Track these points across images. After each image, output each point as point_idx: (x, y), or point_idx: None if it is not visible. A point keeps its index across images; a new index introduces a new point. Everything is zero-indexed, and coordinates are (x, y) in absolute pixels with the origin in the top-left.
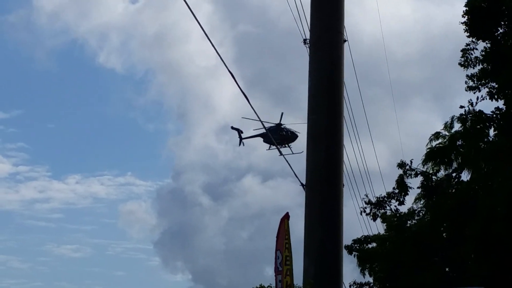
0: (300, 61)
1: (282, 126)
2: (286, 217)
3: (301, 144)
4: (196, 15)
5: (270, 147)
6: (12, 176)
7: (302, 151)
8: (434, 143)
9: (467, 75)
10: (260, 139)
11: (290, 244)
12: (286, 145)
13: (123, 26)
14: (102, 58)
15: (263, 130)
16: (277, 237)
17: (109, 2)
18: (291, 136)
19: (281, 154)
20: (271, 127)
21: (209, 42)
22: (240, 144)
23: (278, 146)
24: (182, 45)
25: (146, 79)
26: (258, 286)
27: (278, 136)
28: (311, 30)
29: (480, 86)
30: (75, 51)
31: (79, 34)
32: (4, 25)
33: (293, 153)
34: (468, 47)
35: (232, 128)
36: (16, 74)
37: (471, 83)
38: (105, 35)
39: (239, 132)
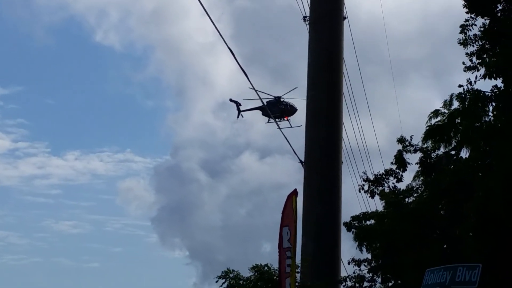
0: (298, 38)
1: (282, 99)
2: (294, 193)
3: (300, 118)
4: None
5: (269, 120)
6: (11, 152)
7: (301, 125)
8: (433, 121)
9: (466, 53)
10: (259, 112)
11: (297, 220)
12: (285, 119)
13: (121, 2)
14: (100, 35)
15: (261, 102)
16: (283, 213)
17: None
18: (291, 110)
19: (279, 127)
20: (270, 100)
21: (208, 18)
22: (238, 117)
23: (277, 120)
24: (181, 21)
25: (145, 56)
26: (254, 265)
27: (277, 109)
28: (311, 7)
29: (478, 66)
30: (73, 27)
31: (77, 11)
32: (1, 2)
33: (291, 127)
34: (467, 23)
35: (231, 100)
36: (15, 50)
37: (469, 64)
38: (103, 11)
39: (238, 104)
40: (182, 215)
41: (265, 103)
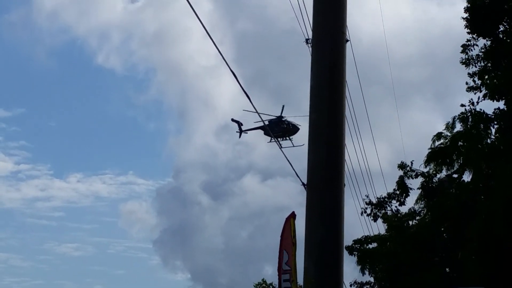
0: (299, 60)
1: (283, 119)
2: (292, 216)
3: (302, 137)
4: (196, 13)
5: (271, 139)
6: (13, 174)
7: (303, 144)
8: (437, 143)
9: (468, 73)
10: (261, 132)
11: (296, 243)
12: (287, 138)
13: (123, 25)
14: (102, 57)
15: (265, 122)
16: (282, 236)
17: (109, 0)
18: (293, 129)
19: (280, 147)
20: (272, 119)
21: (209, 40)
22: (240, 136)
23: (279, 139)
24: (182, 43)
25: (146, 78)
26: (261, 281)
27: (279, 128)
28: (313, 30)
29: (481, 87)
30: (75, 50)
31: (79, 33)
32: (4, 24)
33: (294, 146)
34: (469, 43)
35: (233, 120)
36: (17, 73)
37: (472, 83)
38: (105, 34)
39: (239, 124)
40: (184, 237)
41: (266, 125)
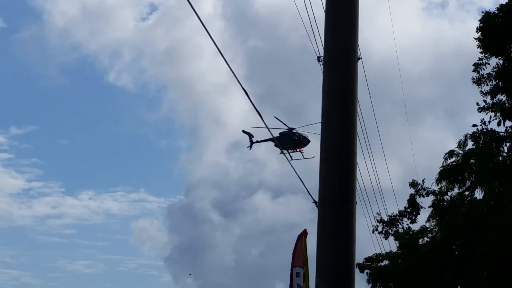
0: (310, 78)
1: (295, 131)
2: (304, 234)
3: (312, 150)
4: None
5: (281, 151)
6: (25, 191)
7: (314, 156)
8: (449, 161)
9: (480, 91)
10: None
11: (307, 261)
12: (298, 150)
13: (134, 43)
14: (114, 75)
15: (275, 135)
16: (294, 253)
17: (120, 18)
18: (303, 141)
19: (291, 159)
20: (283, 131)
21: (220, 58)
22: (251, 148)
23: (290, 151)
24: (194, 61)
25: (158, 96)
26: None
27: (290, 140)
28: (325, 48)
29: (493, 106)
30: (86, 67)
31: (91, 51)
32: (16, 42)
33: (304, 158)
34: (481, 61)
35: (244, 132)
36: (29, 90)
37: (483, 103)
38: (117, 51)
39: (250, 136)
40: (195, 255)
41: (279, 134)
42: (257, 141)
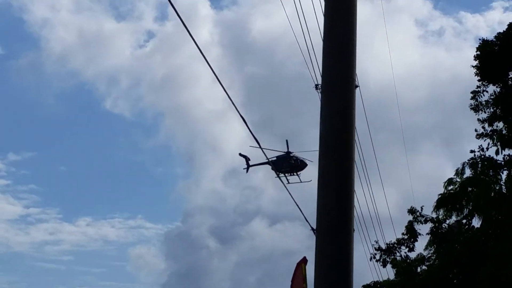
0: (307, 105)
1: (292, 154)
2: (304, 261)
3: (309, 173)
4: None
5: (278, 174)
6: (23, 218)
7: (311, 180)
8: (448, 189)
9: (478, 119)
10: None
11: None
12: (295, 174)
13: (131, 70)
14: (111, 102)
15: (271, 153)
16: (292, 280)
17: (117, 46)
18: (301, 165)
19: (287, 182)
20: (280, 155)
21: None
22: (247, 171)
23: (287, 174)
24: (190, 88)
25: (154, 123)
26: None
27: (287, 164)
28: (323, 76)
29: (490, 133)
30: (83, 94)
31: (88, 78)
32: (13, 69)
33: (301, 182)
34: (479, 89)
35: (240, 155)
36: (26, 117)
37: (481, 130)
38: (114, 78)
39: (247, 159)
40: (192, 281)
41: (276, 157)
42: (254, 165)
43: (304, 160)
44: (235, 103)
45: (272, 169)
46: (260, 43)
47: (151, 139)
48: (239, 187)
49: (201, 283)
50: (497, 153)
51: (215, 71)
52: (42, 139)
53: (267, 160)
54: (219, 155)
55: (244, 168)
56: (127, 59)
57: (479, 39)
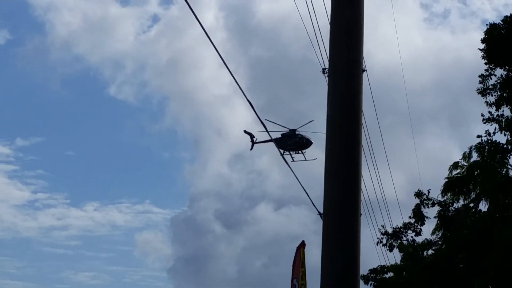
0: (312, 88)
1: (297, 132)
2: (302, 245)
3: (315, 151)
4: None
5: (283, 152)
6: (30, 203)
7: (316, 158)
8: (454, 173)
9: (486, 102)
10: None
11: (305, 272)
12: (300, 152)
13: (136, 55)
14: (116, 87)
15: (277, 135)
16: (293, 265)
17: (122, 30)
18: (306, 143)
19: (292, 160)
20: (285, 132)
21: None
22: (252, 148)
23: (292, 152)
24: (196, 72)
25: (160, 108)
26: None
27: (292, 141)
28: (330, 59)
29: (497, 117)
30: (89, 80)
31: (93, 63)
32: (19, 54)
33: (306, 160)
34: (486, 73)
35: (245, 132)
36: (33, 102)
37: (487, 115)
38: (119, 63)
39: (252, 136)
40: (197, 266)
41: (281, 135)
42: (259, 142)
43: (309, 138)
44: (241, 87)
45: (277, 147)
46: (265, 26)
47: (157, 123)
48: (244, 171)
49: (207, 268)
50: (507, 143)
51: (222, 55)
52: (49, 124)
53: (272, 138)
54: (224, 140)
55: (251, 144)
56: (132, 44)
57: (487, 24)
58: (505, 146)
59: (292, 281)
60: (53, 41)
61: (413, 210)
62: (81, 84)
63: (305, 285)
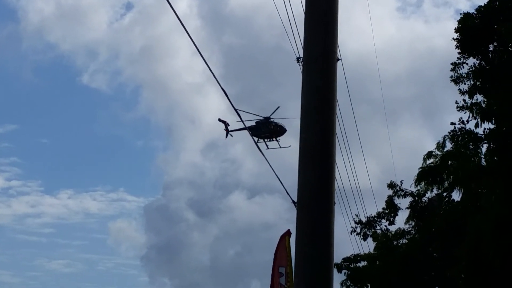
0: (286, 77)
1: (271, 120)
2: (287, 234)
3: (288, 139)
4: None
5: (258, 140)
6: (4, 190)
7: (290, 145)
8: (428, 162)
9: (459, 89)
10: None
11: (291, 261)
12: (274, 139)
13: (109, 42)
14: (89, 75)
15: (251, 123)
16: (276, 253)
17: (96, 18)
18: (280, 130)
19: (267, 148)
20: (259, 120)
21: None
22: (227, 137)
23: (266, 140)
24: (169, 60)
25: (133, 96)
26: None
27: (266, 129)
28: (304, 49)
29: (471, 106)
30: (61, 68)
31: (65, 51)
32: None
33: (280, 147)
34: (459, 61)
35: (220, 120)
36: (6, 89)
37: (462, 103)
38: (92, 51)
39: (226, 124)
40: (171, 254)
41: (255, 123)
42: (233, 130)
43: (283, 125)
44: (215, 76)
45: (251, 135)
46: (239, 14)
47: (131, 112)
48: (218, 159)
49: (181, 256)
50: (476, 126)
51: (196, 43)
52: (22, 112)
53: (247, 126)
54: (198, 128)
55: (225, 129)
56: (105, 32)
57: (460, 14)
58: (478, 134)
59: (276, 269)
60: (25, 28)
61: (386, 202)
62: (54, 72)
63: (290, 273)
